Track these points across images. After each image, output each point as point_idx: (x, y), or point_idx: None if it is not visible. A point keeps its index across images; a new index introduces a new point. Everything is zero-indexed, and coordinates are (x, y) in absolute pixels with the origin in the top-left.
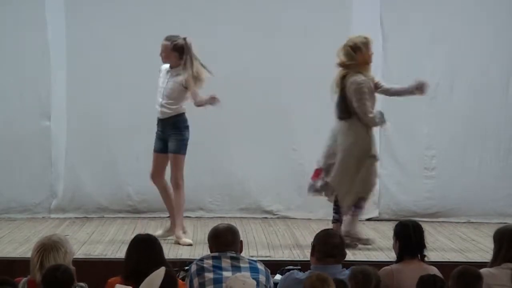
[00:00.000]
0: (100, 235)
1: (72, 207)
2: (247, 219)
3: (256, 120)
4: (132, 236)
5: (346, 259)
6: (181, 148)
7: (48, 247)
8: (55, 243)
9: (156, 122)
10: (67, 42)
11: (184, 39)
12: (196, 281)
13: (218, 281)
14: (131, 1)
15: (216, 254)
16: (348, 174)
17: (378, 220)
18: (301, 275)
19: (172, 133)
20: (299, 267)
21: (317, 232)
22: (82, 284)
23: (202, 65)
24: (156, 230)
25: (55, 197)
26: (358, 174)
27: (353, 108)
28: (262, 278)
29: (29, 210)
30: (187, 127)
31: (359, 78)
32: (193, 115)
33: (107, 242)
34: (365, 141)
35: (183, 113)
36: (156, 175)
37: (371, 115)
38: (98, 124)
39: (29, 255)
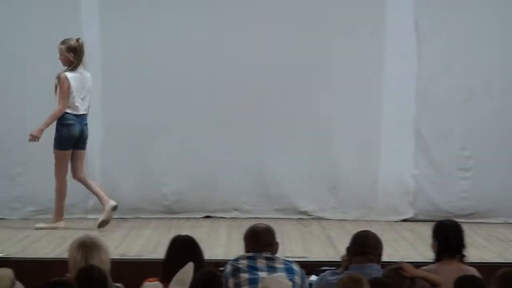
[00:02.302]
0: (136, 236)
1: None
2: (282, 220)
3: (290, 121)
4: (168, 237)
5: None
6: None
7: (90, 245)
8: (96, 241)
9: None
10: (102, 46)
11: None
12: (231, 282)
13: (253, 281)
14: (165, 5)
15: (251, 254)
16: None
17: (414, 221)
18: (335, 276)
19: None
20: (335, 268)
21: (352, 232)
22: (118, 284)
23: None
24: (191, 230)
25: (92, 197)
26: None
27: None
28: (297, 279)
29: (66, 210)
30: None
31: None
32: (229, 116)
33: (143, 242)
34: None
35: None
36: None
37: None
38: (132, 125)
39: (66, 255)
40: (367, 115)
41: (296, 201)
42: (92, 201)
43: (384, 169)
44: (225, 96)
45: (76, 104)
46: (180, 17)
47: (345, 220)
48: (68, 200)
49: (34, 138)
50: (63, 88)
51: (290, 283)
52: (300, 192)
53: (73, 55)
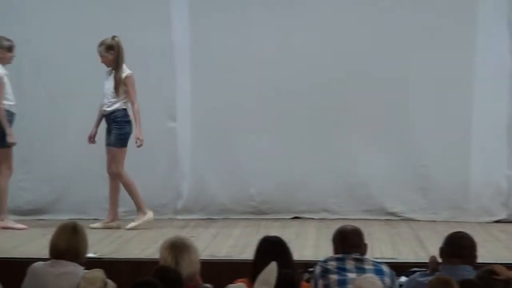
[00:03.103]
0: (225, 237)
1: (197, 208)
2: (370, 221)
3: (379, 121)
4: (257, 238)
5: None
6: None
7: (180, 246)
8: (186, 241)
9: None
10: (191, 43)
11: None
12: (320, 283)
13: (342, 282)
14: (255, 6)
15: (340, 255)
16: None
17: (507, 222)
18: (425, 278)
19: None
20: (425, 269)
21: (443, 234)
22: (208, 285)
23: None
24: (279, 230)
25: (181, 198)
26: None
27: None
28: (387, 280)
29: (156, 211)
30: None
31: None
32: (318, 116)
33: (232, 243)
34: None
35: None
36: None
37: None
38: (222, 125)
39: (156, 256)
40: (458, 115)
41: (384, 202)
42: (182, 201)
43: (475, 169)
44: (313, 97)
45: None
46: (269, 19)
47: (435, 221)
48: (157, 201)
49: (142, 141)
50: (134, 86)
51: (382, 284)
52: (389, 193)
53: (112, 52)
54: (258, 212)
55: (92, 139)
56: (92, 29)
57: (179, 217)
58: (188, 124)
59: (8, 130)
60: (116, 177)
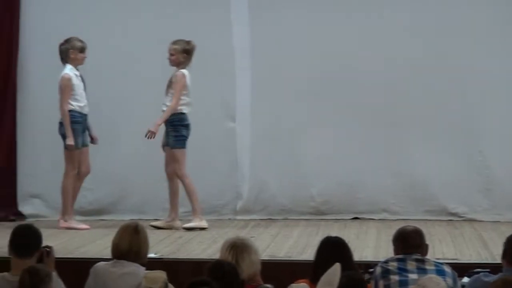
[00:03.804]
0: (284, 237)
1: (256, 209)
2: (431, 221)
3: (440, 121)
4: (317, 238)
5: None
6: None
7: (240, 246)
8: (246, 242)
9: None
10: (251, 44)
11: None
12: (381, 284)
13: (404, 283)
14: (313, 6)
15: (401, 256)
16: None
17: None
18: (490, 278)
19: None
20: (488, 270)
21: (507, 234)
22: (268, 285)
23: None
24: (339, 231)
25: (241, 198)
26: None
27: None
28: (449, 281)
29: (216, 211)
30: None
31: None
32: (378, 116)
33: (292, 243)
34: None
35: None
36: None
37: None
38: (281, 125)
39: (216, 256)
40: None
41: (446, 202)
42: (241, 202)
43: None
44: (374, 96)
45: (189, 102)
46: (328, 18)
47: (499, 222)
48: (217, 201)
49: (152, 134)
50: (180, 85)
51: (446, 285)
52: (451, 193)
53: (186, 56)
54: (318, 212)
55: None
56: (152, 32)
57: (238, 217)
58: (248, 125)
59: (68, 133)
60: (176, 177)
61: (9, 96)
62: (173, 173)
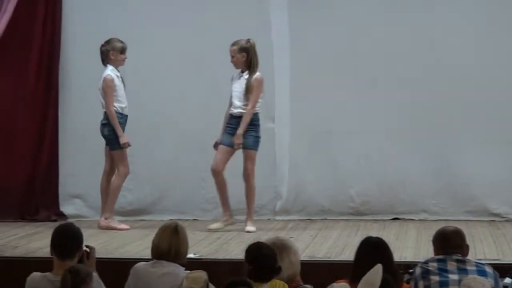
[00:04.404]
0: (323, 238)
1: (295, 209)
2: (472, 222)
3: (481, 121)
4: (356, 239)
5: None
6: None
7: (280, 246)
8: (285, 242)
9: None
10: (291, 43)
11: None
12: (421, 284)
13: (444, 283)
14: (356, 4)
15: (441, 256)
16: None
17: None
18: None
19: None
20: None
21: None
22: (307, 286)
23: None
24: (379, 232)
25: (280, 198)
26: None
27: None
28: (490, 281)
29: (255, 212)
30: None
31: None
32: (417, 116)
33: (331, 244)
34: None
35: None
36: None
37: None
38: (321, 125)
39: None
40: None
41: (487, 203)
42: (280, 202)
43: None
44: (412, 96)
45: (262, 104)
46: (369, 16)
47: None
48: (256, 202)
49: (239, 145)
50: (260, 90)
51: (490, 285)
52: (492, 194)
53: (244, 54)
54: (357, 213)
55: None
56: (192, 33)
57: (277, 218)
58: (287, 125)
59: (119, 132)
60: (246, 178)
61: (52, 97)
62: (247, 174)
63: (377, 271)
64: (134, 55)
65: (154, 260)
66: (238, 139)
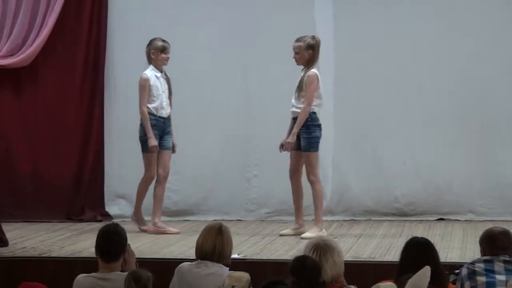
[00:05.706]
0: (368, 238)
1: (339, 210)
2: None
3: None
4: (401, 240)
5: None
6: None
7: (324, 247)
8: (329, 243)
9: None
10: (335, 43)
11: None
12: (467, 285)
13: (491, 284)
14: (399, 3)
15: (488, 257)
16: None
17: None
18: None
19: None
20: None
21: None
22: (352, 286)
23: None
24: (424, 232)
25: (324, 199)
26: None
27: None
28: None
29: None
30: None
31: None
32: (463, 116)
33: (375, 245)
34: None
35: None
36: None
37: None
38: (365, 125)
39: None
40: None
41: None
42: (324, 202)
43: None
44: (459, 96)
45: (320, 103)
46: (415, 16)
47: None
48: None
49: (290, 145)
50: (313, 86)
51: None
52: None
53: (312, 52)
54: (402, 214)
55: (284, 147)
56: (237, 33)
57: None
58: (331, 125)
59: (149, 134)
60: (311, 183)
61: (97, 99)
62: (311, 179)
63: (425, 273)
64: (180, 55)
65: (199, 261)
66: (288, 139)
